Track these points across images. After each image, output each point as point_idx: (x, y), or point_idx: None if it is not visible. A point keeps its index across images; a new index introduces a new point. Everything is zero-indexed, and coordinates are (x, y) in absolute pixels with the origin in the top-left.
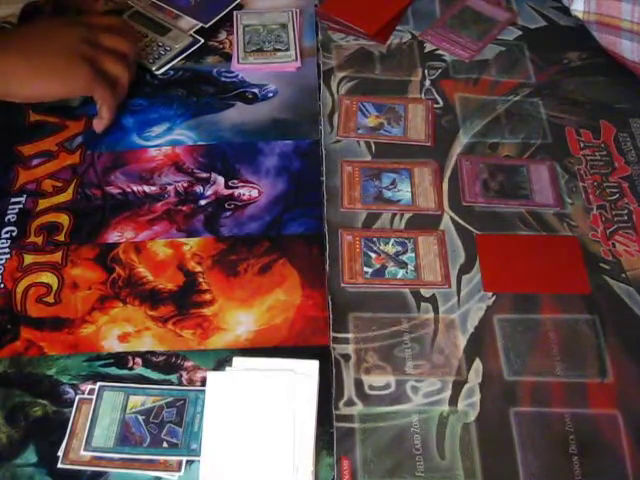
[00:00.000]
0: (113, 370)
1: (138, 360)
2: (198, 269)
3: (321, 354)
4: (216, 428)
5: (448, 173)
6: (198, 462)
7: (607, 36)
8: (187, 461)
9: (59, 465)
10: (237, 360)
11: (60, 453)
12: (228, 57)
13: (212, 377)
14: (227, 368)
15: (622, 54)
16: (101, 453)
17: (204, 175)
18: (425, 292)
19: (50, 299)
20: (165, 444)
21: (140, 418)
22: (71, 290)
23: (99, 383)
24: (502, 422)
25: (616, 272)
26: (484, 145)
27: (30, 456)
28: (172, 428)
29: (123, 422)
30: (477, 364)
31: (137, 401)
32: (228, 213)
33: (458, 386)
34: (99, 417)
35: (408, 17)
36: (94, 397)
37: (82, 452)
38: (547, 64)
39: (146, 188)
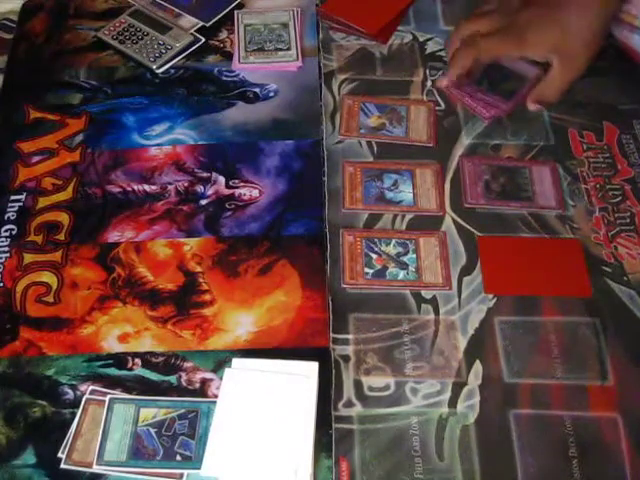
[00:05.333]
0: (112, 371)
1: (137, 361)
2: (198, 269)
3: (321, 355)
4: (224, 424)
5: (450, 174)
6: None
7: (621, 29)
8: None
9: (62, 465)
10: (236, 361)
11: (62, 454)
12: (229, 56)
13: (229, 373)
14: (226, 369)
15: (633, 47)
16: (114, 467)
17: (205, 175)
18: (426, 294)
19: (50, 299)
20: (178, 457)
21: (152, 431)
22: (71, 290)
23: (109, 396)
24: (501, 424)
25: (618, 275)
26: (486, 146)
27: (29, 457)
28: (185, 441)
29: (135, 435)
30: (477, 366)
31: (149, 413)
32: (229, 213)
33: (458, 388)
34: (110, 430)
35: (410, 18)
36: (104, 410)
37: (95, 466)
38: None
39: (147, 187)
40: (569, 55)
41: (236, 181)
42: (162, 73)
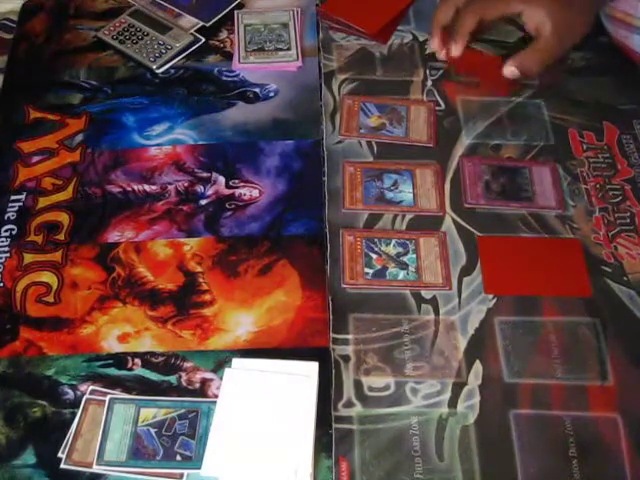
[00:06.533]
0: (112, 371)
1: (137, 361)
2: (198, 269)
3: (321, 355)
4: (224, 424)
5: (450, 174)
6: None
7: (619, 30)
8: None
9: (62, 465)
10: (236, 361)
11: (62, 454)
12: (229, 56)
13: (229, 373)
14: (226, 369)
15: (632, 47)
16: (114, 467)
17: (205, 175)
18: (426, 294)
19: (50, 299)
20: (178, 457)
21: (152, 431)
22: (71, 290)
23: (109, 396)
24: (501, 424)
25: (618, 275)
26: (486, 147)
27: (29, 457)
28: (185, 441)
29: (135, 435)
30: (477, 366)
31: (149, 413)
32: (229, 213)
33: (458, 388)
34: (110, 430)
35: (410, 18)
36: (104, 410)
37: (95, 466)
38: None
39: (147, 187)
40: (563, 25)
41: (236, 181)
42: (162, 73)
